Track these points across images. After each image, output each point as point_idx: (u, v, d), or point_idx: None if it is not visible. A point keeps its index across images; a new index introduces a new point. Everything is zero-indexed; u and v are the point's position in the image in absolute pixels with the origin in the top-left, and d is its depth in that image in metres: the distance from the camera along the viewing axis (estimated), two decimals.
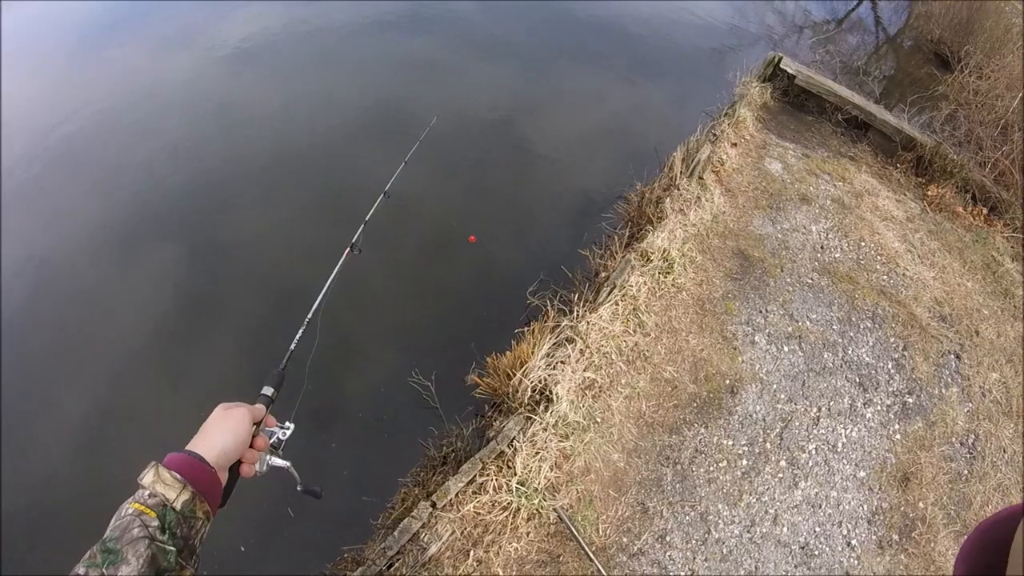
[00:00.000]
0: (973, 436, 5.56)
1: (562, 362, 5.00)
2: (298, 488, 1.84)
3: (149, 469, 1.27)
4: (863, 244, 6.91)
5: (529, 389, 4.83)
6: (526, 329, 5.49)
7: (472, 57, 11.77)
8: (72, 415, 5.92)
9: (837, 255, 6.74)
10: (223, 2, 14.06)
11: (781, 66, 9.23)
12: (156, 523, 1.20)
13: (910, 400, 5.64)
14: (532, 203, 8.24)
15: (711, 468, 4.87)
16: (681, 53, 12.72)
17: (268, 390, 1.80)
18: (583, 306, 5.45)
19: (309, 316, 2.53)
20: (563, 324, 5.25)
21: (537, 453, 4.52)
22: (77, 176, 8.75)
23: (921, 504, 5.02)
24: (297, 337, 2.35)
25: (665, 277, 5.94)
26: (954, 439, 5.49)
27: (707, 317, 5.86)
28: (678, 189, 6.75)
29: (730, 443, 5.02)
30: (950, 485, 5.19)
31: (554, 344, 5.12)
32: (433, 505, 4.32)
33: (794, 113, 9.10)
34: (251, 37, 12.45)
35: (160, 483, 1.25)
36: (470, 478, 4.45)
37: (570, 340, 5.16)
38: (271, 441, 1.69)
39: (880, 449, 5.26)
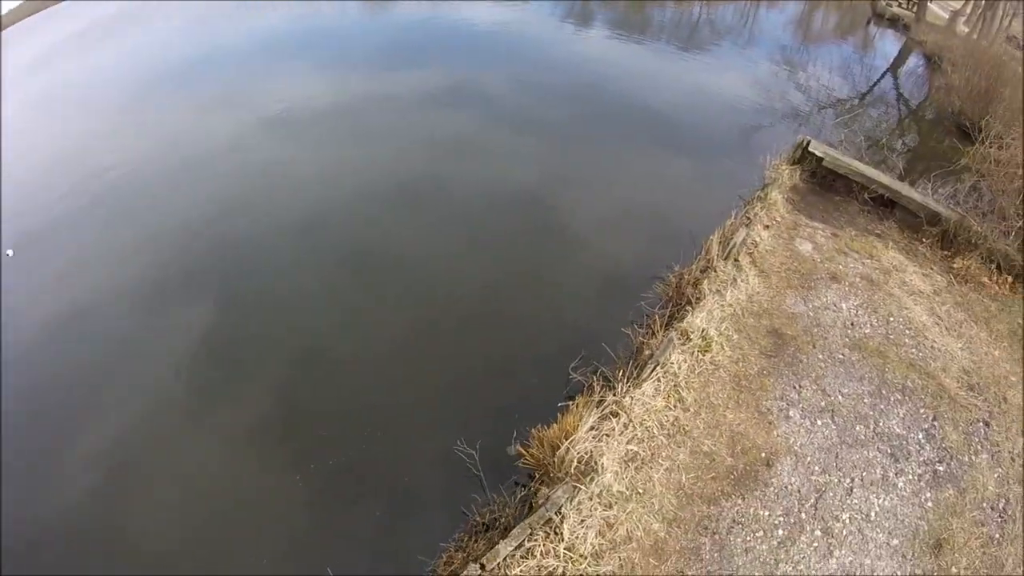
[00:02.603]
0: (1004, 500, 5.73)
1: (607, 435, 5.36)
2: None
3: None
4: (892, 319, 7.21)
5: (575, 460, 5.16)
6: (570, 403, 5.86)
7: (505, 135, 12.51)
8: None
9: (867, 331, 7.04)
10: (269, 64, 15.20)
11: (809, 149, 9.66)
12: None
13: (941, 468, 5.85)
14: (569, 282, 8.67)
15: (748, 538, 5.13)
16: (710, 133, 13.25)
17: None
18: (627, 382, 5.80)
19: None
20: (608, 399, 5.60)
21: (583, 521, 4.85)
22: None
23: (954, 569, 5.20)
24: None
25: (704, 355, 6.31)
26: (985, 504, 5.67)
27: (743, 393, 6.18)
28: (715, 271, 7.16)
29: (766, 514, 5.28)
30: (982, 549, 5.36)
31: (599, 418, 5.47)
32: (482, 567, 4.61)
33: (822, 193, 9.49)
34: (295, 100, 13.44)
35: None
36: (519, 542, 4.75)
37: (614, 414, 5.52)
38: None
39: (912, 517, 5.46)
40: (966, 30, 21.50)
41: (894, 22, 24.39)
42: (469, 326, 7.93)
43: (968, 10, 23.57)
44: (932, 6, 23.65)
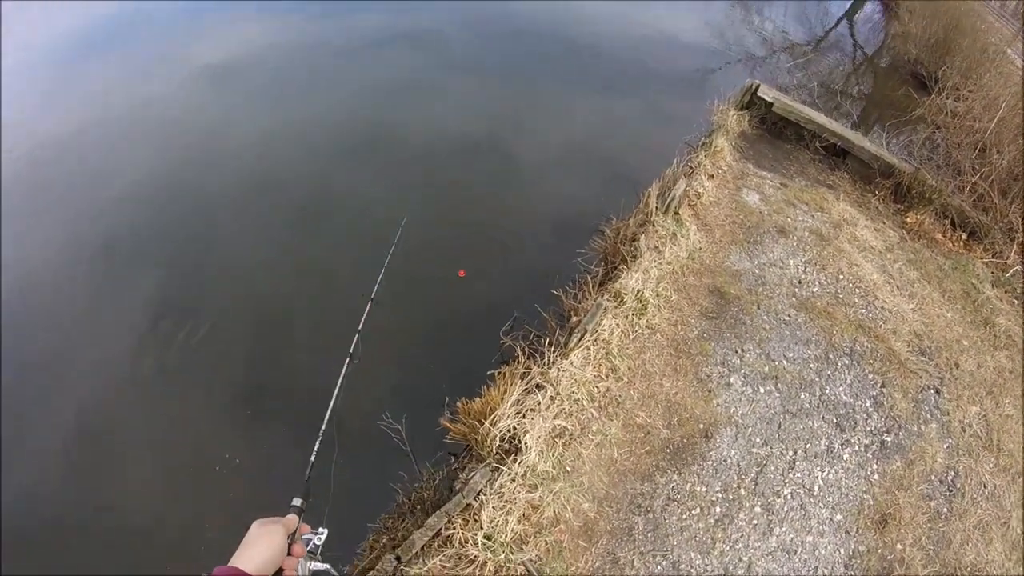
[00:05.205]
0: (953, 473, 5.46)
1: (532, 410, 4.89)
2: None
3: None
4: (841, 277, 6.84)
5: (497, 438, 4.72)
6: (497, 373, 5.37)
7: (452, 82, 11.74)
8: None
9: (815, 289, 6.66)
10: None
11: (759, 94, 9.19)
12: None
13: (888, 439, 5.55)
14: (511, 235, 8.15)
15: (684, 516, 4.76)
16: (663, 76, 12.69)
17: (297, 501, 1.91)
18: (554, 351, 5.33)
19: (323, 427, 2.69)
20: (533, 371, 5.13)
21: (504, 506, 4.41)
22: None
23: (899, 546, 4.92)
24: (315, 448, 2.52)
25: (639, 319, 5.84)
26: (933, 477, 5.40)
27: (682, 359, 5.76)
28: (653, 225, 6.65)
29: (703, 490, 4.92)
30: (929, 524, 5.09)
31: (524, 391, 5.00)
32: (398, 559, 4.17)
33: (772, 141, 9.07)
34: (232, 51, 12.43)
35: None
36: (435, 531, 4.33)
37: (540, 387, 5.05)
38: (308, 548, 1.80)
39: (858, 491, 5.16)
40: None
41: None
42: (400, 285, 7.37)
43: None
44: None
